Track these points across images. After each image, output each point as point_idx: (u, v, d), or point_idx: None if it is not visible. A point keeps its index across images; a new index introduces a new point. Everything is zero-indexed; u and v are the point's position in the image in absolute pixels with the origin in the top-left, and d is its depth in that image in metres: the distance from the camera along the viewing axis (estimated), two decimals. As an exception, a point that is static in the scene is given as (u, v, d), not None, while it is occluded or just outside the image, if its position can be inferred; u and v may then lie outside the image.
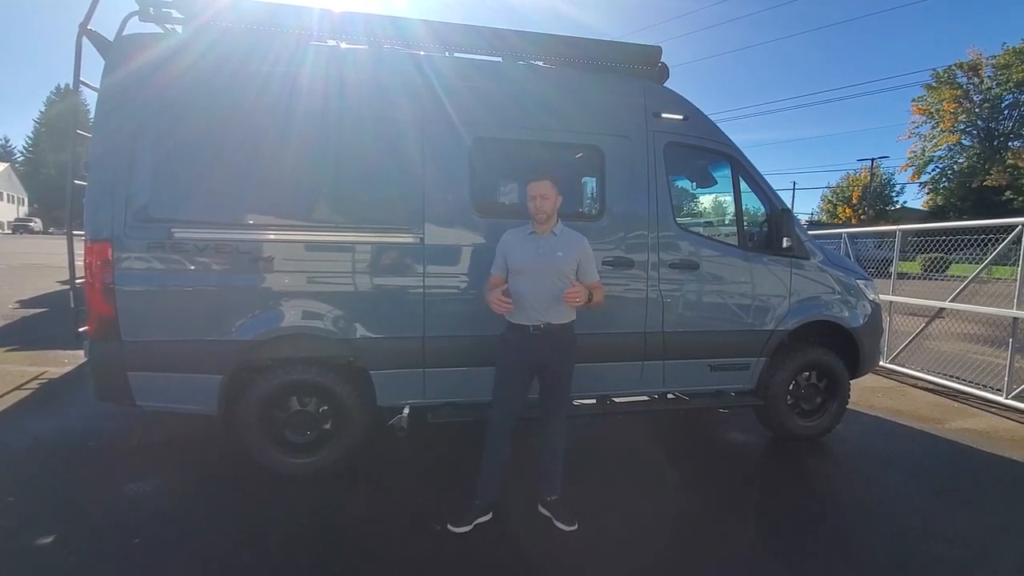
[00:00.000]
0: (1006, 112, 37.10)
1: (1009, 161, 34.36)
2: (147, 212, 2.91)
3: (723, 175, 4.09)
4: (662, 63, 3.76)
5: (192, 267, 2.96)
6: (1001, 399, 5.11)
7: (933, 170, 40.33)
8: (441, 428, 3.38)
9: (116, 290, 2.86)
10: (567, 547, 2.66)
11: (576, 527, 2.73)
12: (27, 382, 4.87)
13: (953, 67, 37.64)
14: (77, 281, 3.20)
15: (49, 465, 3.33)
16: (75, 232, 3.21)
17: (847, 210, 44.90)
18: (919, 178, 40.94)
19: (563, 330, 2.75)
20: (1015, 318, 5.00)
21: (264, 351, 3.12)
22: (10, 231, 45.37)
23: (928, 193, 41.35)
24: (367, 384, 3.25)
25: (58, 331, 6.78)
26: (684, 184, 4.67)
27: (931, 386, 5.87)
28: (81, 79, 3.08)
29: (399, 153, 3.21)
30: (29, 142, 65.11)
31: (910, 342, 6.39)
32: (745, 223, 3.88)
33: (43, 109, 64.53)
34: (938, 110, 38.46)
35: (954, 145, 38.77)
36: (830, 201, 48.08)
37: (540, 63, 3.70)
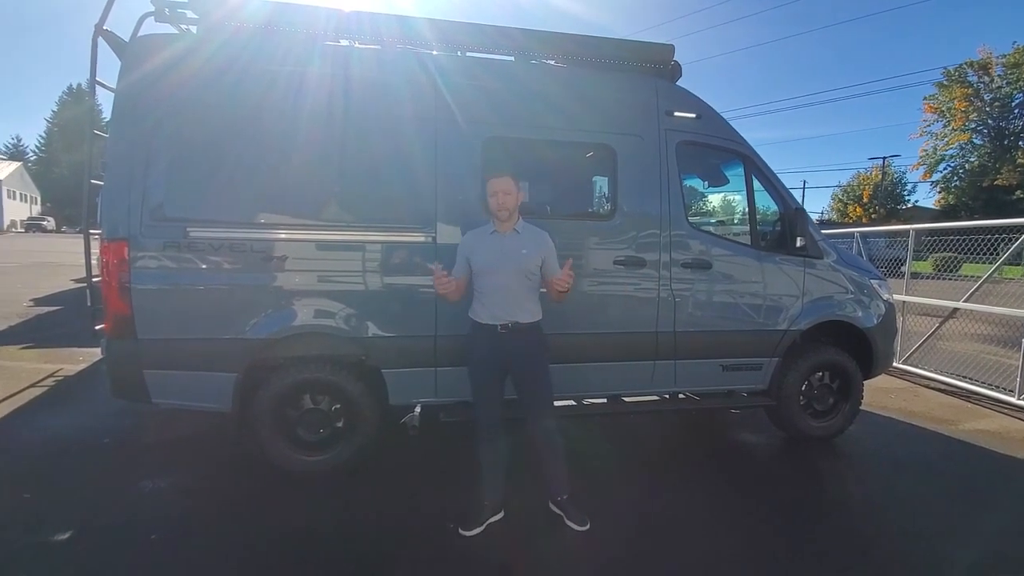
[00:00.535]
0: (1016, 111, 36.59)
1: (1020, 160, 33.91)
2: (162, 211, 2.94)
3: (736, 174, 4.07)
4: (675, 61, 3.74)
5: (207, 266, 2.99)
6: (1014, 400, 5.05)
7: (945, 169, 39.87)
8: (453, 427, 3.38)
9: (132, 289, 2.89)
10: (577, 547, 2.66)
11: (588, 527, 2.71)
12: (43, 379, 4.93)
13: (964, 65, 37.18)
14: (94, 279, 3.23)
15: (65, 461, 3.38)
16: (91, 231, 3.24)
17: (858, 209, 44.50)
18: (931, 177, 40.49)
19: (530, 328, 2.73)
20: (1031, 318, 4.93)
21: (277, 349, 3.14)
22: (23, 230, 45.92)
23: (940, 192, 40.90)
24: (379, 383, 3.26)
25: (72, 329, 6.88)
26: (696, 183, 4.65)
27: (944, 387, 5.81)
28: (97, 79, 3.11)
29: (411, 153, 3.22)
30: (42, 141, 65.98)
31: (923, 343, 6.33)
32: (758, 222, 3.86)
33: (55, 109, 65.36)
34: (949, 108, 38.00)
35: (965, 144, 38.28)
36: (841, 200, 47.65)
37: (552, 62, 3.69)
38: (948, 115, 38.36)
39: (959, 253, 6.43)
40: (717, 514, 3.04)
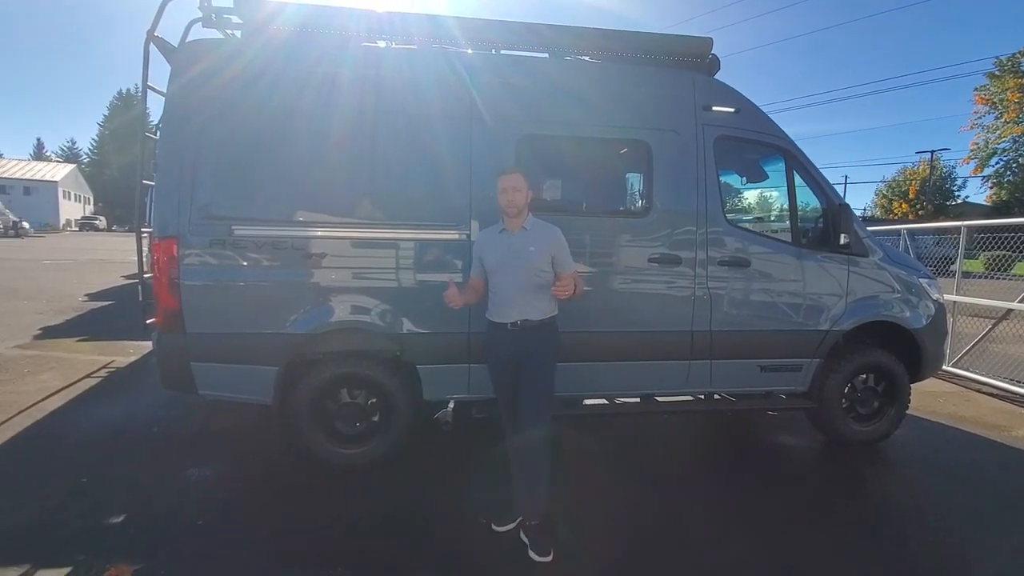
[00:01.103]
0: (1074, 101, 34.40)
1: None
2: (209, 210, 3.05)
3: (776, 169, 3.96)
4: (712, 55, 3.67)
5: (250, 263, 3.09)
6: (1078, 407, 4.78)
7: (997, 163, 37.79)
8: (486, 423, 3.41)
9: (181, 284, 3.01)
10: (608, 545, 2.65)
11: (550, 558, 2.45)
12: (96, 370, 5.19)
13: (1017, 55, 35.13)
14: (145, 276, 3.38)
15: (118, 449, 3.55)
16: (142, 229, 3.39)
17: (903, 205, 42.75)
18: (982, 171, 38.45)
19: (542, 326, 2.65)
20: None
21: (316, 344, 3.22)
22: (77, 228, 48.36)
23: (991, 187, 38.82)
24: (414, 378, 3.32)
25: (123, 323, 7.20)
26: (734, 179, 4.55)
27: (997, 392, 5.53)
28: (148, 84, 3.24)
29: (447, 152, 3.25)
30: (94, 144, 69.31)
31: (975, 345, 6.04)
32: (799, 219, 3.75)
33: (107, 113, 68.52)
34: (1002, 100, 35.98)
35: (1019, 136, 36.18)
36: (885, 196, 45.88)
37: (587, 58, 3.67)
38: (1001, 107, 36.36)
39: (1013, 251, 6.11)
40: (751, 520, 2.98)
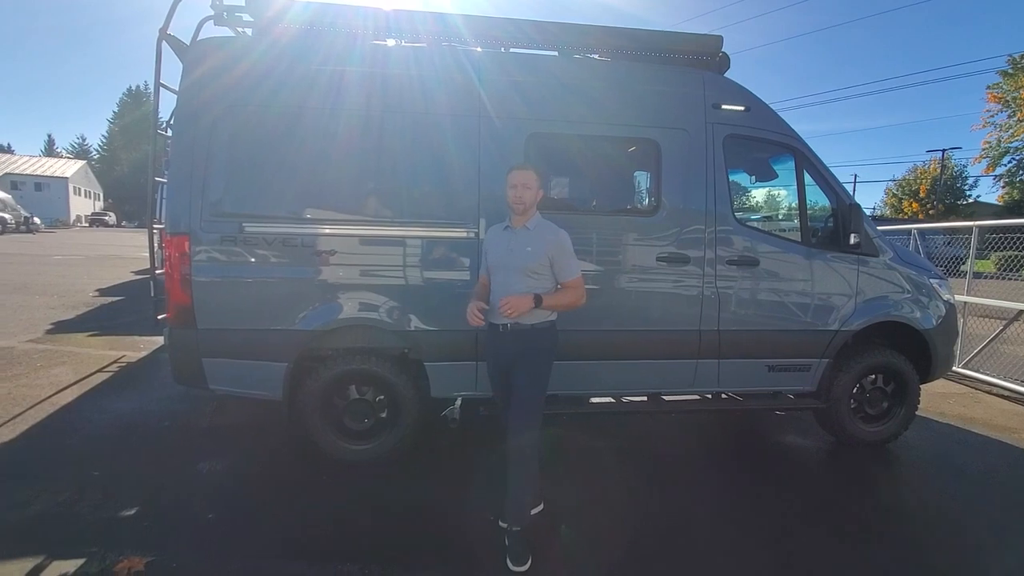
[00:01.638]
0: (1088, 100, 33.87)
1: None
2: (221, 207, 3.07)
3: (786, 168, 3.94)
4: (723, 52, 3.65)
5: (260, 260, 3.11)
6: (1090, 409, 4.73)
7: (1009, 162, 37.24)
8: (493, 420, 3.42)
9: (192, 280, 3.04)
10: (614, 543, 2.65)
11: (526, 568, 2.38)
12: (108, 365, 5.24)
13: (1030, 52, 34.63)
14: (157, 272, 3.41)
15: (129, 442, 3.59)
16: (154, 226, 3.42)
17: (914, 204, 42.32)
18: (994, 170, 37.92)
19: (534, 331, 2.51)
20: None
21: (325, 341, 3.25)
22: (87, 224, 48.80)
23: (1004, 187, 38.32)
24: (422, 375, 3.33)
25: (134, 318, 7.28)
26: (744, 177, 4.53)
27: (1008, 393, 5.49)
28: (161, 81, 3.27)
29: (455, 149, 3.26)
30: (104, 141, 69.85)
31: (986, 346, 5.98)
32: (808, 218, 3.73)
33: (116, 110, 69.03)
34: (1015, 98, 35.46)
35: (1032, 135, 35.72)
36: (895, 195, 45.44)
37: (596, 56, 3.66)
38: (1013, 105, 35.86)
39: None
40: (758, 520, 2.98)
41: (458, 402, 3.59)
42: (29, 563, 2.31)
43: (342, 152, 3.16)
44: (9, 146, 67.63)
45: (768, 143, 3.76)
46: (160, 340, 3.31)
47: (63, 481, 3.00)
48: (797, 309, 3.68)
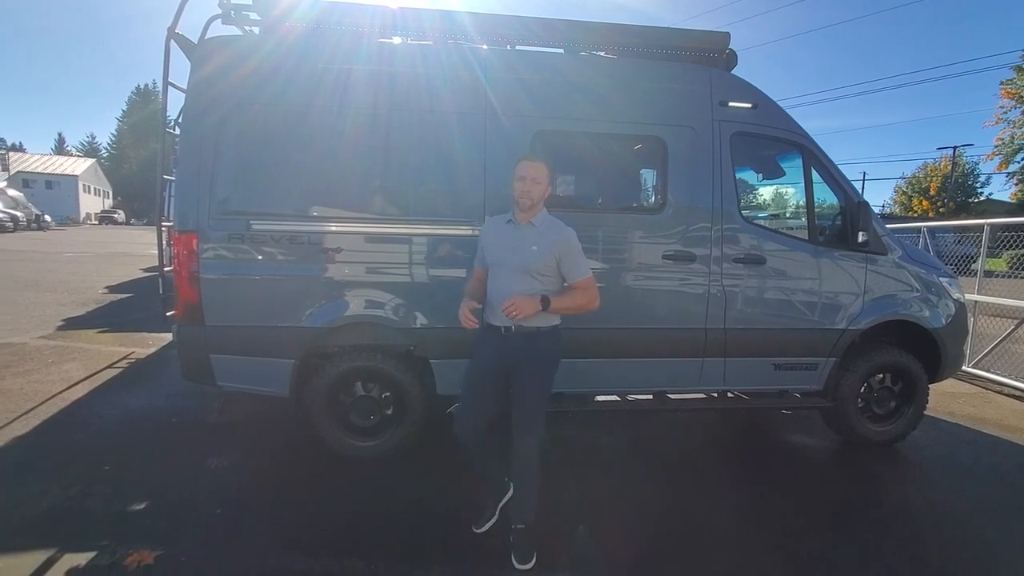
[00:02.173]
0: (1104, 97, 33.29)
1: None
2: (228, 205, 3.09)
3: (793, 165, 3.91)
4: (730, 50, 3.63)
5: (267, 257, 3.13)
6: (1103, 410, 4.68)
7: (1023, 159, 36.88)
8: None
9: (201, 278, 3.06)
10: (607, 546, 2.66)
11: (530, 566, 2.38)
12: (117, 361, 5.30)
13: (1045, 48, 34.08)
14: (166, 269, 3.44)
15: (138, 438, 3.62)
16: (162, 224, 3.45)
17: (924, 202, 41.87)
18: (1007, 168, 37.43)
19: (539, 334, 2.38)
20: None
21: (331, 338, 3.26)
22: (97, 222, 49.26)
23: (1017, 184, 37.82)
24: (427, 373, 3.34)
25: (142, 315, 7.35)
26: (750, 175, 4.50)
27: (1019, 393, 5.43)
28: (169, 80, 3.29)
29: (461, 147, 3.26)
30: (113, 139, 70.49)
31: (997, 345, 5.92)
32: (816, 216, 3.71)
33: (125, 108, 69.64)
34: (1029, 94, 35.00)
35: (1046, 132, 35.18)
36: (904, 192, 44.98)
37: (602, 54, 3.65)
38: (1028, 101, 35.36)
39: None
40: (764, 520, 2.97)
41: (463, 399, 3.58)
42: (41, 556, 2.35)
43: (348, 150, 3.17)
44: (21, 145, 68.49)
45: (775, 140, 3.74)
46: (169, 337, 3.34)
47: (74, 475, 3.04)
48: (804, 307, 3.65)
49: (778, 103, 3.70)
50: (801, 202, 3.78)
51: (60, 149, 71.31)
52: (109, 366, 5.12)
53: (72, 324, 6.83)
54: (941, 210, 38.83)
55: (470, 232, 3.26)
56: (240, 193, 3.12)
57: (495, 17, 3.44)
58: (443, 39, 3.40)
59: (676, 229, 3.47)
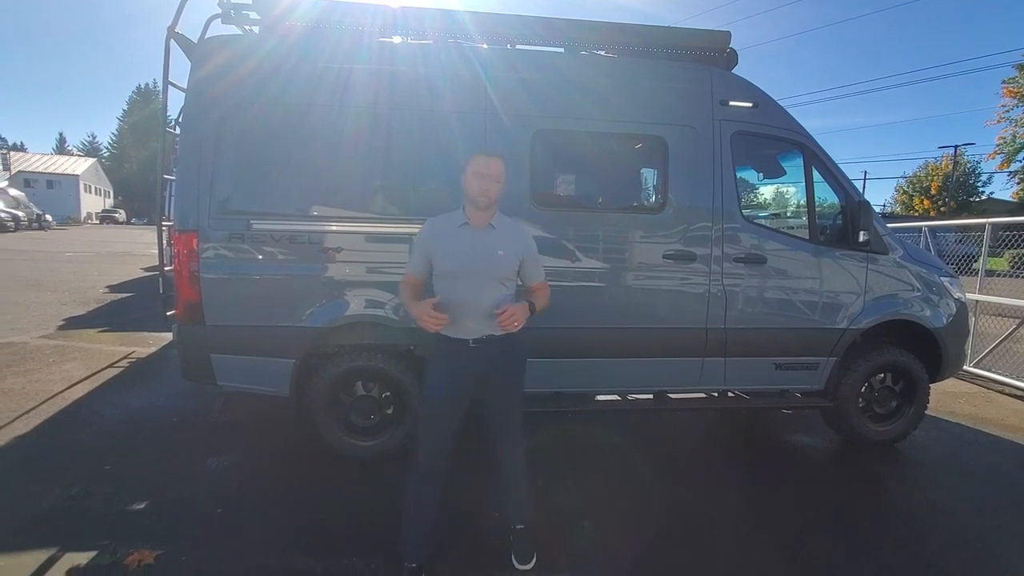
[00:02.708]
0: (1106, 95, 33.19)
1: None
2: (228, 205, 3.09)
3: (794, 164, 3.91)
4: (730, 49, 3.62)
5: (268, 257, 3.13)
6: (1104, 410, 4.67)
7: (1024, 158, 36.78)
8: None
9: (201, 278, 3.06)
10: (620, 541, 2.66)
11: (531, 566, 2.38)
12: (118, 360, 5.30)
13: (1048, 46, 33.98)
14: (166, 269, 3.44)
15: (139, 437, 3.63)
16: (163, 223, 3.45)
17: (925, 202, 41.82)
18: (1008, 167, 37.35)
19: (507, 339, 2.21)
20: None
21: (331, 338, 3.26)
22: (98, 221, 49.32)
23: (1018, 183, 37.75)
24: (428, 372, 3.34)
25: (143, 315, 7.35)
26: (752, 174, 4.50)
27: (1020, 393, 5.43)
28: (169, 79, 3.29)
29: (461, 146, 3.24)
30: (114, 139, 70.53)
31: (998, 345, 5.92)
32: (817, 215, 3.70)
33: (126, 108, 69.68)
34: (1032, 93, 34.90)
35: (1050, 132, 35.08)
36: (905, 192, 44.93)
37: (603, 53, 3.64)
38: (1029, 100, 35.27)
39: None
40: (765, 519, 2.96)
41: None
42: (42, 555, 2.35)
43: (349, 149, 3.17)
44: (22, 144, 68.48)
45: (776, 140, 3.73)
46: (169, 336, 3.34)
47: (75, 475, 3.04)
48: (805, 307, 3.65)
49: (779, 102, 3.69)
50: (802, 201, 3.78)
51: (61, 149, 71.40)
52: (110, 365, 5.12)
53: (73, 323, 6.84)
54: (942, 209, 38.77)
55: (470, 231, 3.25)
56: (240, 192, 3.12)
57: (496, 16, 3.44)
58: (443, 38, 3.40)
59: (677, 228, 3.46)
